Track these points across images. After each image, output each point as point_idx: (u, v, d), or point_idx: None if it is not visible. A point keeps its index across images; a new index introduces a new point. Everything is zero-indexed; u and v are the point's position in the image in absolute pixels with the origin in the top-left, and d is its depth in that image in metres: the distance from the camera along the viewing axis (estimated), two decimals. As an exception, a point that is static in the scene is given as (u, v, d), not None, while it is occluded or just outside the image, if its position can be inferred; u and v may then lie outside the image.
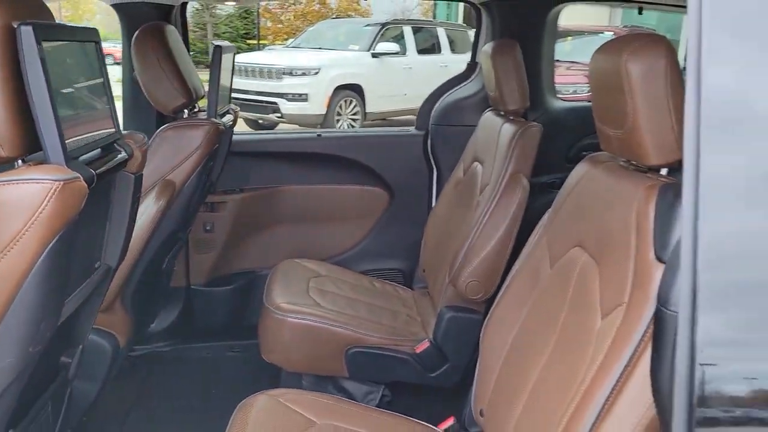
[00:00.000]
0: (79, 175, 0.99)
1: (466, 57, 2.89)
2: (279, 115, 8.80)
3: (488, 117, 2.30)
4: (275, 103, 8.77)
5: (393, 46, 9.90)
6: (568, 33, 8.19)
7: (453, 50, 10.28)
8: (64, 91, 1.08)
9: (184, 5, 2.44)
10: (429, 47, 10.29)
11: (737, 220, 0.77)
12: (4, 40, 0.97)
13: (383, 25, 10.16)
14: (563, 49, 7.68)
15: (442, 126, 2.67)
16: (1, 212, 0.91)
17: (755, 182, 0.76)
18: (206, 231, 2.61)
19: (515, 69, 2.09)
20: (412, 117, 3.09)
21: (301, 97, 8.90)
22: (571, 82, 6.55)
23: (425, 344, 2.06)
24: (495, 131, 2.14)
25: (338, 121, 9.14)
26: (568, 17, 2.90)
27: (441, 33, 10.47)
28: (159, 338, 2.58)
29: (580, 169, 1.40)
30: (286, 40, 15.02)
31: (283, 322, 2.01)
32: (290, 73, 9.13)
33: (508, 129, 2.06)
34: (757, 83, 0.74)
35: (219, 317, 2.70)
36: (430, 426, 1.61)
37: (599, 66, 1.22)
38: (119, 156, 1.23)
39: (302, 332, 2.00)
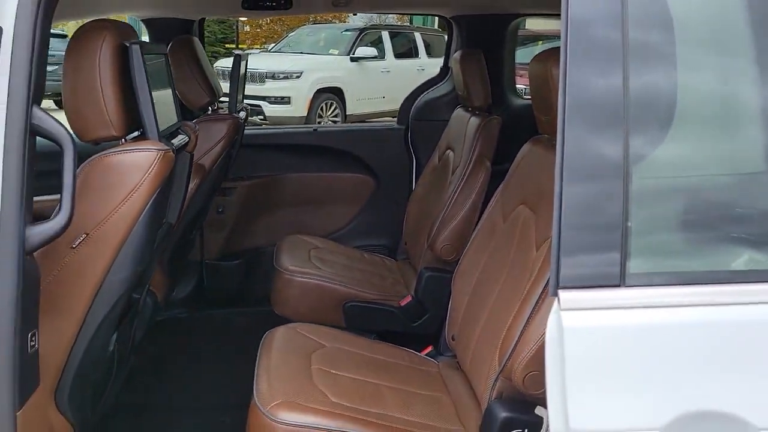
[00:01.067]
0: (169, 147, 1.42)
1: (442, 60, 3.34)
2: (262, 117, 8.97)
3: (458, 112, 2.76)
4: (258, 105, 8.91)
5: (371, 51, 10.21)
6: (538, 37, 8.55)
7: (429, 54, 10.58)
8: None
9: (202, 20, 2.87)
10: (406, 51, 10.60)
11: None
12: (116, 54, 1.39)
13: (362, 30, 10.47)
14: (534, 53, 8.05)
15: (420, 121, 3.13)
16: (124, 171, 1.34)
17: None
18: (218, 213, 3.02)
19: (479, 73, 2.55)
20: (390, 119, 3.51)
21: (284, 100, 9.16)
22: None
23: (408, 299, 2.50)
24: (464, 124, 2.60)
25: (319, 122, 9.39)
26: (542, 23, 3.33)
27: (417, 37, 10.80)
28: (178, 306, 2.97)
29: (525, 148, 1.87)
30: (264, 44, 15.30)
31: (291, 280, 2.44)
32: (273, 77, 9.33)
33: (474, 121, 2.53)
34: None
35: (229, 287, 3.11)
36: (415, 352, 2.05)
37: (535, 70, 1.68)
38: (183, 138, 1.65)
39: (308, 289, 2.43)
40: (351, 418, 1.53)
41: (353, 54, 9.97)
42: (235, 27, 16.38)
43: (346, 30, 10.87)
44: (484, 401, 1.60)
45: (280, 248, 2.68)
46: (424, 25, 11.73)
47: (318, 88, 9.37)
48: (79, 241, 1.31)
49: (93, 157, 1.35)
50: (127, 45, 1.40)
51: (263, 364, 1.73)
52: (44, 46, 1.15)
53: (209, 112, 2.49)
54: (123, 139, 1.44)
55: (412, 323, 2.48)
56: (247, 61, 2.80)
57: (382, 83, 9.90)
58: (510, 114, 2.96)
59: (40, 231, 1.16)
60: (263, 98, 9.11)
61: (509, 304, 1.61)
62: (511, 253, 1.74)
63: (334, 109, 9.62)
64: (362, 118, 9.83)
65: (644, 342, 1.00)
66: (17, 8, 1.11)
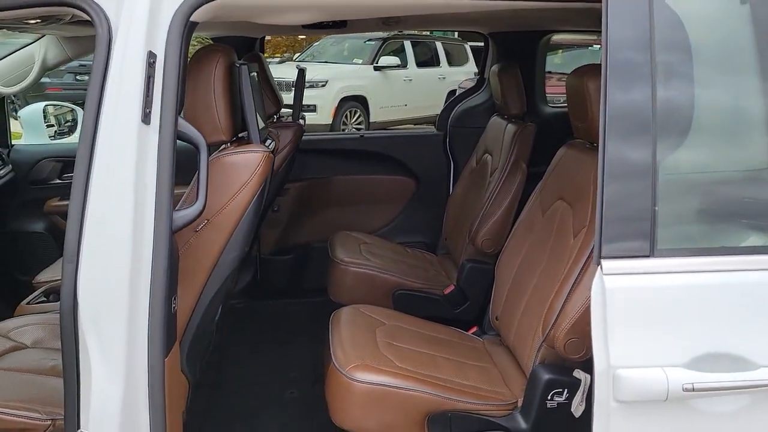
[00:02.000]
0: (269, 150, 1.71)
1: (463, 69, 3.63)
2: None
3: (495, 120, 3.04)
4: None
5: (394, 60, 10.48)
6: (559, 46, 8.78)
7: (450, 63, 10.84)
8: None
9: (263, 38, 3.18)
10: (428, 60, 10.85)
11: None
12: (227, 72, 1.68)
13: (384, 39, 10.72)
14: (553, 62, 8.33)
15: (458, 128, 3.41)
16: (238, 169, 1.62)
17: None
18: (273, 211, 3.31)
19: (516, 84, 2.83)
20: (413, 126, 3.79)
21: (310, 108, 9.39)
22: (560, 92, 7.24)
23: (451, 287, 2.78)
24: (501, 130, 2.87)
25: (344, 130, 9.67)
26: (561, 35, 3.57)
27: (439, 46, 11.03)
28: (236, 297, 3.26)
29: (561, 151, 2.14)
30: (285, 53, 15.64)
31: (347, 270, 2.73)
32: (299, 86, 9.75)
33: (510, 128, 2.80)
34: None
35: (282, 280, 3.40)
36: (462, 331, 2.32)
37: (572, 83, 1.95)
38: (272, 143, 1.95)
39: (361, 278, 2.71)
40: (415, 379, 1.81)
41: (377, 63, 10.23)
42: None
43: (369, 40, 11.17)
44: (528, 368, 1.87)
45: (333, 243, 2.96)
46: (444, 34, 12.01)
47: (343, 96, 9.65)
48: (202, 226, 1.60)
49: (211, 157, 1.64)
50: (237, 65, 1.69)
51: (336, 336, 2.01)
52: (185, 66, 1.44)
53: (275, 120, 2.79)
54: (229, 143, 1.73)
55: (455, 310, 2.75)
56: (305, 74, 3.10)
57: (404, 91, 10.19)
58: (542, 121, 3.22)
59: (182, 215, 1.46)
60: (290, 106, 9.42)
61: (551, 284, 1.88)
62: (551, 242, 2.01)
63: (358, 117, 9.89)
64: (385, 126, 10.08)
65: (668, 299, 1.26)
66: (167, 38, 1.40)
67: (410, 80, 10.53)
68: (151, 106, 1.36)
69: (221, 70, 1.66)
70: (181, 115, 1.46)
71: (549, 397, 1.73)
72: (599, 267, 1.25)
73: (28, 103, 3.45)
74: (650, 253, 1.25)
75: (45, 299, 2.40)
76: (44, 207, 3.13)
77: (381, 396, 1.77)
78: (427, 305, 2.73)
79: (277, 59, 13.83)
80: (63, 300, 1.36)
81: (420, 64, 10.81)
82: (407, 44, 10.82)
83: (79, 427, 1.39)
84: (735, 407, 1.25)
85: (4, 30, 2.52)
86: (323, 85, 9.67)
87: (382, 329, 2.11)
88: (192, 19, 1.41)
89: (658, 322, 1.25)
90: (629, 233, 1.25)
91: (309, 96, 9.53)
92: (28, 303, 2.36)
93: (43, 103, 3.53)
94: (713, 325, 1.25)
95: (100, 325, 1.35)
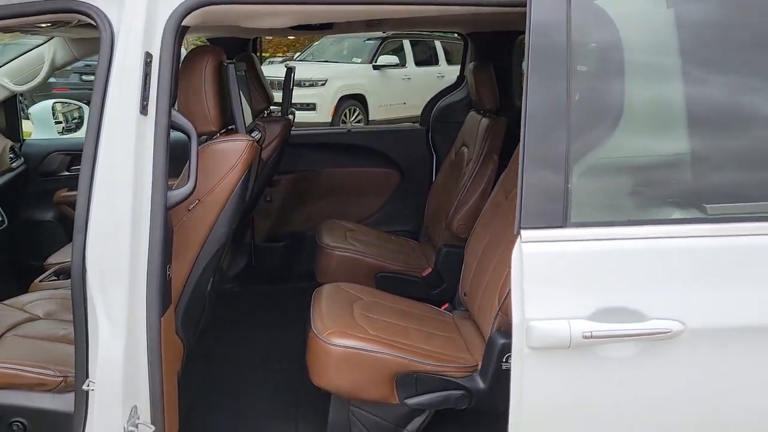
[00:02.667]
0: (254, 139, 1.93)
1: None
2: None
3: (472, 114, 3.26)
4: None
5: (393, 59, 10.62)
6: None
7: (449, 61, 10.96)
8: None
9: (256, 38, 3.41)
10: (426, 59, 11.01)
11: None
12: (216, 71, 1.91)
13: (383, 39, 10.88)
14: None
15: (439, 122, 3.64)
16: (225, 155, 1.85)
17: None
18: (266, 201, 3.54)
19: (489, 81, 3.05)
20: (411, 124, 4.02)
21: (309, 107, 9.59)
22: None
23: (429, 270, 3.00)
24: (476, 124, 3.09)
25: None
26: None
27: (438, 45, 11.18)
28: (231, 281, 3.49)
29: (522, 141, 2.35)
30: (287, 52, 15.86)
31: (331, 254, 2.95)
32: (299, 84, 9.82)
33: (484, 122, 3.02)
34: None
35: (275, 266, 3.62)
36: (435, 306, 2.54)
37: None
38: (257, 134, 2.17)
39: (345, 261, 2.94)
40: (385, 344, 2.03)
41: (375, 62, 10.39)
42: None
43: (369, 39, 11.34)
44: (487, 335, 2.09)
45: (320, 230, 3.19)
46: (444, 34, 12.18)
47: (342, 95, 9.83)
48: (194, 205, 1.83)
49: (202, 145, 1.87)
50: (225, 64, 1.92)
51: (316, 308, 2.23)
52: (177, 64, 1.66)
53: (265, 115, 3.01)
54: (218, 133, 1.95)
55: (432, 291, 2.97)
56: (294, 73, 3.33)
57: (403, 90, 10.32)
58: (516, 116, 3.43)
59: (176, 194, 1.68)
60: (290, 105, 9.59)
61: (508, 260, 2.09)
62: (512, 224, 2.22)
63: (357, 115, 10.05)
64: (384, 124, 10.27)
65: (575, 263, 1.46)
66: (162, 39, 1.61)
67: (409, 79, 10.65)
68: (148, 99, 1.58)
69: (210, 68, 1.89)
70: (175, 107, 1.68)
71: (504, 360, 1.94)
72: (519, 236, 1.46)
73: (34, 102, 3.68)
74: (563, 224, 1.45)
75: (55, 278, 2.63)
76: (53, 197, 3.36)
77: (354, 358, 1.99)
78: (407, 286, 2.95)
79: (279, 59, 14.06)
80: (74, 266, 1.58)
81: (419, 62, 10.94)
82: (406, 43, 10.92)
83: (87, 377, 1.61)
84: (629, 353, 1.45)
85: (17, 32, 2.75)
86: (323, 84, 9.82)
87: (359, 303, 2.33)
88: (183, 23, 1.63)
89: (566, 282, 1.46)
90: (545, 207, 1.45)
91: (308, 95, 9.74)
92: (40, 281, 2.59)
93: (52, 101, 3.76)
94: (613, 284, 1.46)
95: (105, 287, 1.57)
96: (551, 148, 1.46)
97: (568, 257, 1.47)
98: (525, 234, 1.45)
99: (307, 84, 9.73)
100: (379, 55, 10.52)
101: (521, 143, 1.47)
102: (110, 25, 1.58)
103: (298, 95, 9.89)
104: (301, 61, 11.39)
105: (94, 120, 1.57)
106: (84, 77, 10.91)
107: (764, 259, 1.49)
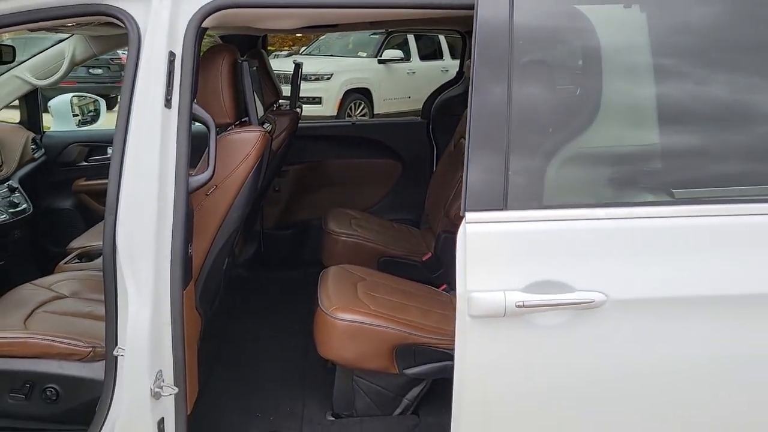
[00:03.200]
0: (266, 130, 2.11)
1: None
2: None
3: (470, 108, 3.42)
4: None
5: (398, 53, 10.76)
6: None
7: (453, 55, 10.92)
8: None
9: (265, 36, 3.58)
10: (431, 53, 11.12)
11: None
12: (232, 67, 2.08)
13: (388, 33, 11.08)
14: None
15: (439, 116, 3.81)
16: (239, 145, 2.02)
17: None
18: (275, 191, 3.72)
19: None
20: (415, 117, 4.19)
21: (315, 100, 9.76)
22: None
23: (429, 255, 3.17)
24: (473, 117, 3.26)
25: (350, 121, 9.99)
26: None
27: (442, 39, 11.23)
28: (242, 267, 3.66)
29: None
30: (293, 46, 16.02)
31: (337, 240, 3.13)
32: (305, 78, 9.99)
33: (481, 115, 3.18)
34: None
35: (282, 252, 3.80)
36: (433, 287, 2.72)
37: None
38: (268, 126, 2.34)
39: (350, 246, 3.11)
40: (386, 318, 2.21)
41: (380, 56, 10.52)
42: (266, 30, 17.02)
43: (374, 33, 11.46)
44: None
45: (326, 218, 3.36)
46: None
47: (347, 89, 9.98)
48: (212, 190, 2.00)
49: (219, 136, 2.04)
50: (240, 62, 2.09)
51: (323, 287, 2.41)
52: (198, 62, 1.83)
53: (275, 108, 3.19)
54: (233, 125, 2.13)
55: (432, 275, 3.14)
56: (302, 68, 3.50)
57: (407, 84, 10.44)
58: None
59: (196, 179, 1.85)
60: (298, 98, 9.72)
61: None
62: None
63: (362, 109, 10.18)
64: (389, 117, 10.38)
65: (512, 241, 1.61)
66: (183, 40, 1.78)
67: (413, 73, 10.77)
68: (171, 94, 1.75)
69: (226, 65, 2.06)
70: (195, 101, 1.85)
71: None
72: (464, 217, 1.61)
73: (44, 97, 3.86)
74: (503, 207, 1.59)
75: (78, 260, 2.82)
76: (72, 186, 3.54)
77: (357, 331, 2.17)
78: (408, 270, 3.11)
79: (285, 52, 14.21)
80: (105, 243, 1.75)
81: (423, 57, 11.05)
82: (410, 38, 11.01)
83: (116, 344, 1.78)
84: (559, 321, 1.60)
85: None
86: (328, 78, 9.95)
87: (363, 283, 2.51)
88: (203, 25, 1.80)
89: (503, 258, 1.60)
90: (487, 192, 1.59)
91: (314, 88, 9.85)
92: (65, 263, 2.78)
93: (70, 95, 3.94)
94: (544, 260, 1.60)
95: (133, 262, 1.74)
96: (493, 141, 1.60)
97: (506, 236, 1.61)
98: (469, 216, 1.60)
99: (313, 78, 9.87)
100: (384, 49, 10.63)
101: (467, 135, 1.62)
102: (138, 27, 1.75)
103: (304, 89, 9.94)
104: (307, 55, 11.49)
105: (124, 112, 1.75)
106: (92, 70, 11.13)
107: (677, 237, 1.63)
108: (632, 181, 1.74)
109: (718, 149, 1.71)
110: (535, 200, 1.67)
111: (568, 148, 1.70)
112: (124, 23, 1.77)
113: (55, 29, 2.76)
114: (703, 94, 1.71)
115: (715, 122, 1.72)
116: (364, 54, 10.79)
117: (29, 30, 2.15)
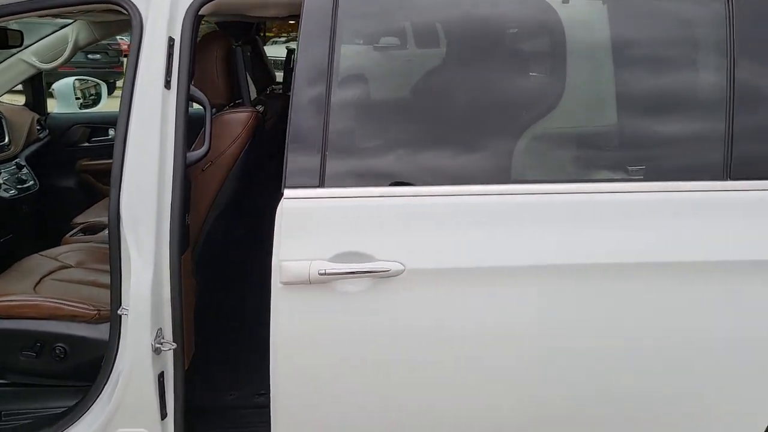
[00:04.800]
0: (257, 110, 2.28)
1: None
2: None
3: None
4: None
5: (395, 40, 10.98)
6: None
7: None
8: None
9: (261, 23, 3.74)
10: (431, 40, 11.43)
11: None
12: (227, 53, 2.25)
13: (385, 20, 11.21)
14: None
15: None
16: (233, 124, 2.19)
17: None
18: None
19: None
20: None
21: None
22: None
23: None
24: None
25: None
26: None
27: (438, 27, 11.58)
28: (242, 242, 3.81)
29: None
30: (291, 33, 16.10)
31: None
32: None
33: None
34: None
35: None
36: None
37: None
38: (260, 107, 2.51)
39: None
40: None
41: (376, 43, 10.70)
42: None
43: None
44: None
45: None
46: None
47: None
48: (207, 166, 2.17)
49: (214, 115, 2.21)
50: (234, 47, 2.26)
51: None
52: (195, 47, 2.00)
53: (268, 92, 3.35)
54: (227, 106, 2.30)
55: None
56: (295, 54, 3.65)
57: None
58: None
59: (193, 155, 2.02)
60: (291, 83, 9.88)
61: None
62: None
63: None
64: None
65: (323, 216, 1.73)
66: (182, 26, 1.95)
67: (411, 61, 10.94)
68: (170, 76, 1.91)
69: (221, 51, 2.23)
70: (192, 83, 2.02)
71: None
72: (283, 194, 1.70)
73: (43, 81, 4.02)
74: (319, 185, 1.71)
75: (82, 234, 2.99)
76: (76, 166, 3.70)
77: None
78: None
79: (283, 38, 14.29)
80: (110, 211, 1.92)
81: (420, 44, 11.21)
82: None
83: (120, 304, 1.96)
84: (361, 288, 1.71)
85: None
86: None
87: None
88: (200, 13, 1.96)
89: (314, 231, 1.72)
90: (304, 171, 1.73)
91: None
92: (70, 236, 2.96)
93: (73, 78, 4.10)
94: (351, 233, 1.72)
95: (136, 229, 1.90)
96: (312, 120, 1.74)
97: (317, 212, 1.74)
98: (288, 193, 1.72)
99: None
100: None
101: (288, 117, 1.75)
102: (140, 15, 1.92)
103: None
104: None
105: (127, 92, 1.91)
106: (90, 56, 11.25)
107: (477, 211, 1.76)
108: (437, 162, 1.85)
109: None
110: (349, 179, 1.78)
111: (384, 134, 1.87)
112: (127, 11, 1.94)
113: (60, 15, 2.91)
114: None
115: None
116: (360, 40, 10.88)
117: (38, 16, 2.31)
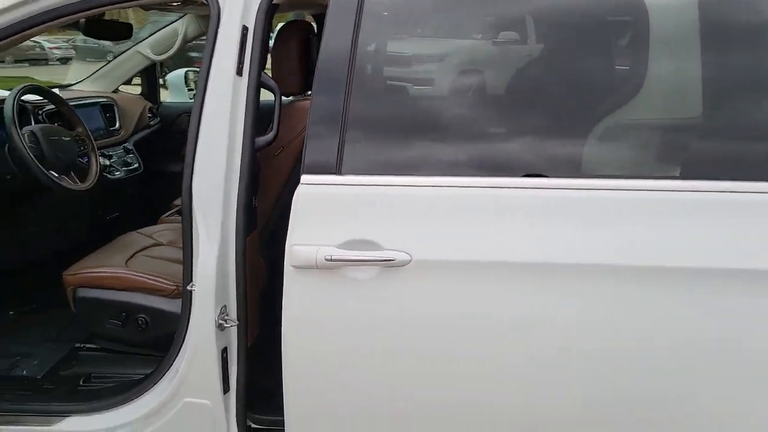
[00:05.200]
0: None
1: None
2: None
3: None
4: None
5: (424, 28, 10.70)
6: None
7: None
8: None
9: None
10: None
11: None
12: (304, 43, 2.29)
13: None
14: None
15: None
16: (303, 112, 2.21)
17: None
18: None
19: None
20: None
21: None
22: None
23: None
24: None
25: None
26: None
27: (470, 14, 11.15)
28: None
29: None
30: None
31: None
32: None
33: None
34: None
35: None
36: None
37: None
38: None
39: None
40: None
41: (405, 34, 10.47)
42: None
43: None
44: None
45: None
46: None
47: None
48: (278, 151, 2.23)
49: (285, 102, 2.27)
50: (312, 38, 2.30)
51: None
52: (268, 35, 2.05)
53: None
54: (301, 95, 2.34)
55: None
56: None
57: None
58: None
59: (262, 140, 2.08)
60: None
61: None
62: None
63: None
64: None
65: (337, 201, 1.74)
66: (256, 16, 2.01)
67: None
68: (243, 63, 1.98)
69: (298, 40, 2.27)
70: (264, 70, 2.08)
71: None
72: (299, 179, 1.76)
73: (156, 72, 4.29)
74: (336, 171, 1.74)
75: (177, 215, 3.18)
76: (181, 152, 3.93)
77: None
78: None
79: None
80: (183, 192, 2.02)
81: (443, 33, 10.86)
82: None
83: (191, 281, 2.06)
84: (369, 276, 1.71)
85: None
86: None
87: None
88: (274, 2, 2.01)
89: (325, 217, 1.74)
90: (323, 158, 1.75)
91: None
92: (166, 216, 3.15)
93: (185, 69, 4.36)
94: (361, 220, 1.72)
95: (205, 210, 1.98)
96: (332, 109, 1.77)
97: (330, 198, 1.76)
98: (304, 178, 1.76)
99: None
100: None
101: (311, 105, 1.77)
102: (218, 5, 2.00)
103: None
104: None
105: (202, 79, 2.00)
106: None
107: (483, 205, 1.70)
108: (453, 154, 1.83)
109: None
110: (365, 167, 1.79)
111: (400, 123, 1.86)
112: (206, 1, 2.02)
113: (165, 9, 3.10)
114: None
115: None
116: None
117: (141, 8, 2.47)
